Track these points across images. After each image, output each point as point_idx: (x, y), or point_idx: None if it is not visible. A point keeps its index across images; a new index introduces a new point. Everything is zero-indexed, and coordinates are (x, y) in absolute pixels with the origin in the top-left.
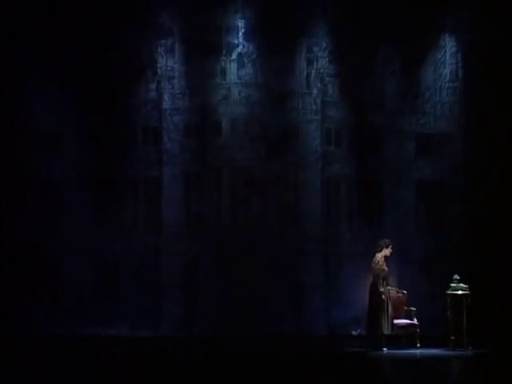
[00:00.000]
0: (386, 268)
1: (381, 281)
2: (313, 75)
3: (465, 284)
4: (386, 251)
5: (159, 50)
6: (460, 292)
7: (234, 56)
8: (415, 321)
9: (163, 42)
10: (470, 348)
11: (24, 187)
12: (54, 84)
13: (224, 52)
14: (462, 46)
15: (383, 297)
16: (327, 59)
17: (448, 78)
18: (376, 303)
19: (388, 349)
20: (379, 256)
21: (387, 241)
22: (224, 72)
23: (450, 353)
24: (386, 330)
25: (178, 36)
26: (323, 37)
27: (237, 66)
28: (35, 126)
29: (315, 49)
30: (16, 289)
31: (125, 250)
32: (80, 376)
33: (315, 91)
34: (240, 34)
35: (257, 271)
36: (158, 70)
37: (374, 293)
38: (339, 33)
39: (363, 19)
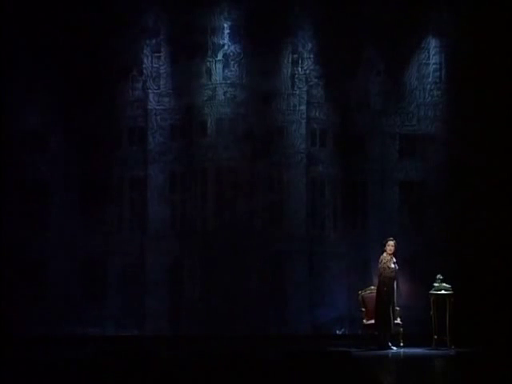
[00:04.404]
0: (391, 266)
1: (384, 280)
2: (298, 76)
3: (448, 284)
4: (386, 248)
5: (145, 50)
6: (443, 292)
7: (219, 56)
8: (398, 320)
9: (149, 42)
10: (453, 347)
11: (10, 187)
12: (39, 84)
13: (209, 52)
14: (445, 48)
15: (384, 297)
16: (312, 60)
17: (431, 79)
18: (380, 303)
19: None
20: (384, 255)
21: (386, 239)
22: (209, 72)
23: (433, 352)
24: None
25: (163, 36)
26: (308, 38)
27: (222, 67)
28: (21, 126)
29: (300, 50)
30: (2, 288)
31: (110, 250)
32: (65, 375)
33: (300, 92)
34: (225, 34)
35: (242, 271)
36: (144, 70)
37: (378, 293)
38: (324, 34)
39: (348, 21)
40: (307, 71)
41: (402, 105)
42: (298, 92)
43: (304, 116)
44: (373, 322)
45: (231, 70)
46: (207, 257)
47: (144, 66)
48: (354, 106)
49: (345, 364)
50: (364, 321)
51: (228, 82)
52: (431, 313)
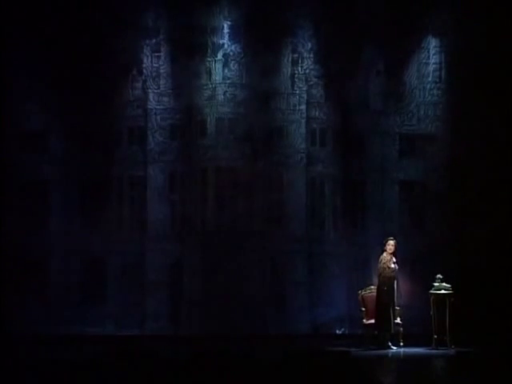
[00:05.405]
0: (391, 266)
1: (384, 279)
2: (298, 76)
3: (447, 283)
4: (386, 248)
5: (145, 49)
6: (443, 291)
7: (219, 56)
8: (398, 320)
9: (149, 42)
10: (453, 347)
11: (10, 187)
12: (39, 84)
13: (209, 52)
14: (445, 47)
15: (384, 297)
16: (312, 60)
17: (431, 78)
18: (380, 302)
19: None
20: (383, 255)
21: (386, 238)
22: (209, 72)
23: (433, 352)
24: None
25: (163, 36)
26: (308, 38)
27: (222, 66)
28: (21, 126)
29: (300, 49)
30: (3, 288)
31: (110, 249)
32: (65, 375)
33: (300, 91)
34: (225, 34)
35: (241, 270)
36: (144, 70)
37: (378, 293)
38: (324, 34)
39: (348, 21)
40: (307, 71)
41: (402, 104)
42: (297, 92)
43: (304, 116)
44: (373, 321)
45: (231, 70)
46: (207, 256)
47: (144, 65)
48: (354, 106)
49: (345, 364)
50: (364, 320)
51: (228, 81)
52: (431, 313)
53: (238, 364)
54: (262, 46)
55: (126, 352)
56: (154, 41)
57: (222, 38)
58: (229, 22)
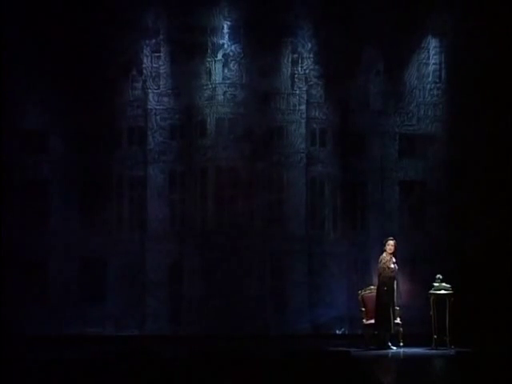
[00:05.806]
0: (391, 266)
1: (384, 279)
2: (298, 76)
3: (447, 283)
4: (386, 248)
5: (145, 50)
6: (443, 291)
7: (219, 56)
8: (398, 320)
9: (149, 42)
10: (453, 347)
11: (10, 186)
12: (40, 84)
13: (209, 52)
14: (445, 48)
15: (384, 297)
16: (312, 60)
17: (431, 78)
18: (380, 303)
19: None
20: (383, 255)
21: (386, 238)
22: (209, 72)
23: (433, 352)
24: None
25: (163, 36)
26: (308, 38)
27: (222, 67)
28: (21, 126)
29: (300, 50)
30: (2, 288)
31: (110, 249)
32: (65, 375)
33: (300, 91)
34: (225, 34)
35: (241, 270)
36: (144, 70)
37: (378, 293)
38: (324, 34)
39: (348, 21)
40: (307, 71)
41: (402, 104)
42: (297, 92)
43: (304, 116)
44: (373, 321)
45: (231, 70)
46: (207, 256)
47: (144, 65)
48: (354, 106)
49: (345, 364)
50: (364, 320)
51: (228, 81)
52: (431, 313)
53: (238, 364)
54: (261, 46)
55: (126, 352)
56: (153, 41)
57: (222, 38)
58: (228, 23)
